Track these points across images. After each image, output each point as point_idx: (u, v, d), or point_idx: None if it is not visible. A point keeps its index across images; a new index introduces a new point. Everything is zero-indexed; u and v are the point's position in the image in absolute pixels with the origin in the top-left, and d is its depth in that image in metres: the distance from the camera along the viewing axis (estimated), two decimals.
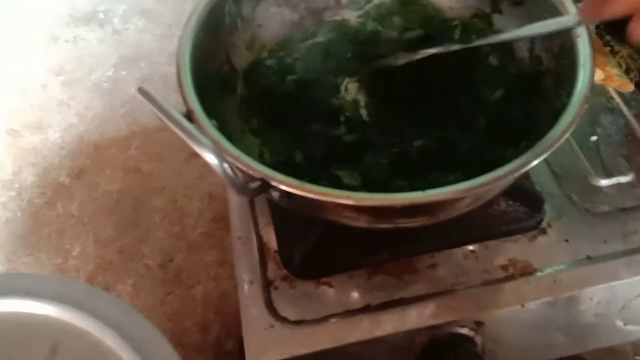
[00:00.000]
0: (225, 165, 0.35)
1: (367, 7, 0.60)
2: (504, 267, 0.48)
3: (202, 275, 0.67)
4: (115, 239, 0.72)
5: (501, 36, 0.50)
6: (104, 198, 0.76)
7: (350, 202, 0.37)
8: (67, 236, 0.73)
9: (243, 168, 0.38)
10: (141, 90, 0.37)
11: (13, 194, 0.79)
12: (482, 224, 0.50)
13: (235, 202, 0.56)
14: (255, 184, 0.38)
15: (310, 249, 0.50)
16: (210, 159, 0.34)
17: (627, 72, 0.59)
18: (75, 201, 0.76)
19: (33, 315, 0.40)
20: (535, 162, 0.38)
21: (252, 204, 0.55)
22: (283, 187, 0.37)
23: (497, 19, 0.54)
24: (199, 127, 0.41)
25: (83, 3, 1.07)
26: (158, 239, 0.70)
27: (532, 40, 0.51)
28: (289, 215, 0.53)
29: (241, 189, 0.36)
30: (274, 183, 0.37)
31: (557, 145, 0.39)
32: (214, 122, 0.43)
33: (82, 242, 0.72)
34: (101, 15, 1.04)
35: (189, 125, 0.35)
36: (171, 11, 1.03)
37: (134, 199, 0.75)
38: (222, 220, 0.71)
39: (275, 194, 0.40)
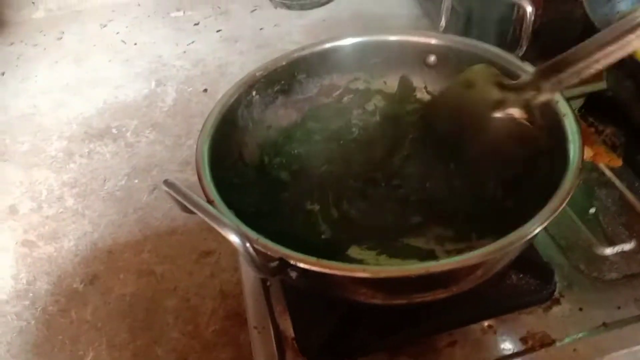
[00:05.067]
0: (248, 245, 0.36)
1: (366, 106, 0.65)
2: (523, 340, 0.48)
3: None
4: (129, 342, 0.71)
5: None
6: (118, 302, 0.77)
7: (365, 275, 0.38)
8: (80, 342, 0.72)
9: (262, 249, 0.40)
10: (166, 182, 0.40)
11: (27, 303, 0.79)
12: (496, 299, 0.50)
13: (250, 292, 0.57)
14: (274, 264, 0.39)
15: (328, 334, 0.50)
16: (234, 239, 0.36)
17: (613, 149, 0.62)
18: (89, 307, 0.77)
19: None
20: (538, 229, 0.40)
21: (267, 292, 0.56)
22: (301, 265, 0.39)
23: None
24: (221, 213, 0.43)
25: (97, 121, 1.14)
26: (172, 339, 0.70)
27: None
28: (305, 302, 0.53)
29: (262, 267, 0.38)
30: (291, 261, 0.39)
31: (559, 210, 0.41)
32: (232, 210, 0.45)
33: (96, 347, 0.72)
34: (114, 131, 1.11)
35: (214, 210, 0.38)
36: (180, 123, 1.09)
37: (147, 301, 0.76)
38: (236, 317, 0.71)
39: (293, 274, 0.42)
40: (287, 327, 0.53)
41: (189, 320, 0.72)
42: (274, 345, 0.52)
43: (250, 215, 0.53)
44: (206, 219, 0.37)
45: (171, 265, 0.80)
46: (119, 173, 1.00)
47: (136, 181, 0.98)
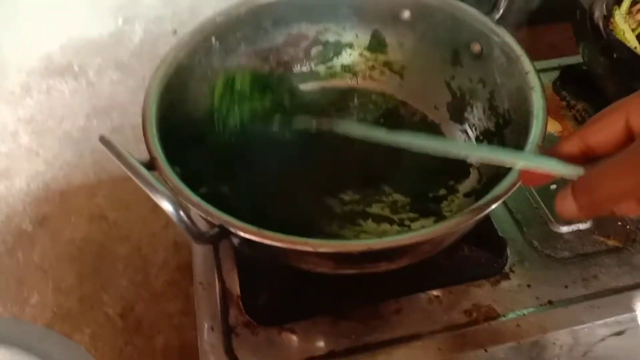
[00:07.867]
0: (182, 213, 0.35)
1: (335, 60, 0.62)
2: (467, 312, 0.48)
3: (164, 325, 0.64)
4: (76, 288, 0.69)
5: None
6: (67, 246, 0.74)
7: (307, 248, 0.37)
8: (26, 284, 0.70)
9: (201, 214, 0.38)
10: (102, 140, 0.38)
11: None
12: (446, 269, 0.50)
13: (199, 247, 0.56)
14: (214, 231, 0.38)
15: (273, 294, 0.50)
16: (166, 206, 0.34)
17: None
18: (37, 249, 0.74)
19: None
20: (482, 214, 0.39)
21: (216, 250, 0.55)
22: (240, 234, 0.37)
23: (457, 71, 0.57)
24: (162, 173, 0.42)
25: (59, 57, 1.08)
26: (120, 287, 0.68)
27: (491, 92, 0.53)
28: (254, 262, 0.52)
29: (198, 236, 0.36)
30: (232, 229, 0.37)
31: (511, 192, 0.40)
32: (177, 168, 0.43)
33: (41, 290, 0.70)
34: (76, 68, 1.05)
35: (146, 173, 0.36)
36: (146, 65, 1.04)
37: (98, 247, 0.73)
38: (187, 269, 0.69)
39: (235, 241, 0.40)
40: (234, 285, 0.53)
41: (139, 269, 0.70)
42: (219, 302, 0.51)
43: (202, 175, 0.51)
44: (138, 183, 0.35)
45: (125, 212, 0.78)
46: (78, 112, 0.95)
47: (95, 122, 0.93)
